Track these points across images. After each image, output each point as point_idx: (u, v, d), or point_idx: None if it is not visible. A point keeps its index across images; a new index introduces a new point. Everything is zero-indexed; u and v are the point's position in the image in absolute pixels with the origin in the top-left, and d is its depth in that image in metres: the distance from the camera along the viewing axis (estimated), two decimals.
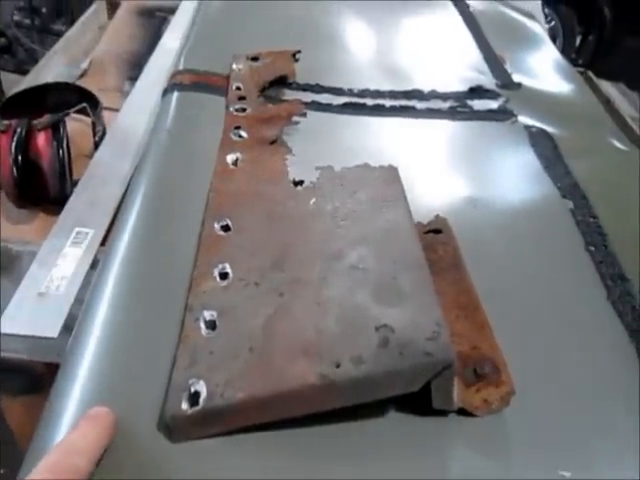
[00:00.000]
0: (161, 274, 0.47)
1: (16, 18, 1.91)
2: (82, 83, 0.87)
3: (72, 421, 0.35)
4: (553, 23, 2.77)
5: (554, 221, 0.57)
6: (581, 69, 1.07)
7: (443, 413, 0.39)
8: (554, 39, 2.82)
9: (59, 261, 0.57)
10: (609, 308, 0.49)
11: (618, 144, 0.72)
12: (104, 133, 0.74)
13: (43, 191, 0.67)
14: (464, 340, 0.43)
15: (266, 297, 0.40)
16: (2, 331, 0.50)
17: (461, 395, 0.39)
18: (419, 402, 0.37)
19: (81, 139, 0.75)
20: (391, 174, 0.52)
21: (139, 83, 0.83)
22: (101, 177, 0.66)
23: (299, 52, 0.78)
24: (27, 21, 1.92)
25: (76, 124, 0.76)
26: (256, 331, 0.38)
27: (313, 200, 0.50)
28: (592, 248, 0.54)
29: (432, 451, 0.37)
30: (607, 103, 0.95)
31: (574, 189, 0.61)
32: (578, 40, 2.89)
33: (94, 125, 0.72)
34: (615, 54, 2.77)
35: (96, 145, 0.72)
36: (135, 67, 0.93)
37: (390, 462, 0.37)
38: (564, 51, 2.77)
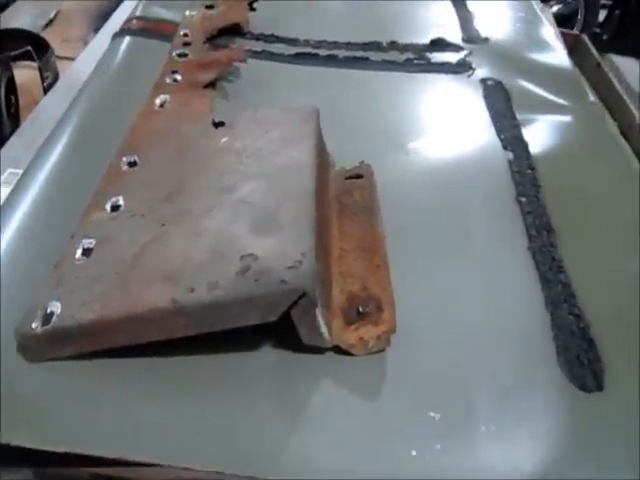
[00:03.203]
0: (65, 205, 0.46)
1: None
2: (46, 33, 0.86)
3: None
4: None
5: (489, 170, 0.55)
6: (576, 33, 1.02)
7: (321, 351, 0.37)
8: (576, 12, 2.70)
9: None
10: (528, 256, 0.47)
11: (583, 102, 0.68)
12: (55, 80, 0.73)
13: None
14: (356, 281, 0.41)
15: (148, 227, 0.40)
16: None
17: (338, 333, 0.37)
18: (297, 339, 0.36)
19: (34, 86, 0.74)
20: (309, 114, 0.50)
21: (100, 33, 0.82)
22: (43, 121, 0.66)
23: (256, 1, 0.76)
24: None
25: (30, 72, 0.75)
26: (127, 258, 0.37)
27: (225, 139, 0.48)
28: (523, 199, 0.52)
29: (299, 388, 0.36)
30: (597, 66, 0.91)
31: (517, 141, 0.58)
32: (604, 15, 2.77)
33: (41, 70, 0.71)
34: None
35: (45, 91, 0.71)
36: (103, 20, 0.92)
37: (257, 396, 0.36)
38: (585, 24, 2.66)
